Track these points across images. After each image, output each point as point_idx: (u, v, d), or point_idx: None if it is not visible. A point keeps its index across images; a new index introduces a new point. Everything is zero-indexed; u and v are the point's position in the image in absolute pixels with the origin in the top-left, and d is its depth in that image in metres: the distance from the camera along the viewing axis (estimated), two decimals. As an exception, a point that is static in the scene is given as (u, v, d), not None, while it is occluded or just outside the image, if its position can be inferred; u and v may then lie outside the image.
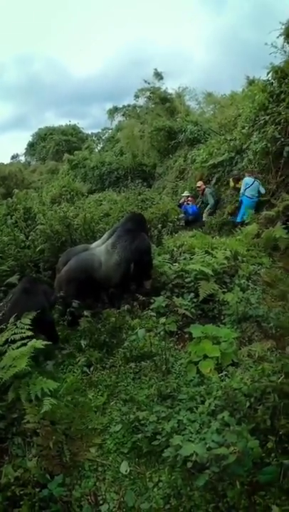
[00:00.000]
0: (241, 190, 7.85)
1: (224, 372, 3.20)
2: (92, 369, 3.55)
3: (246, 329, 3.85)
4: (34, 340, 2.91)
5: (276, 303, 4.35)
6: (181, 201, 10.25)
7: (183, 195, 10.41)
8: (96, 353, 3.69)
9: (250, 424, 2.40)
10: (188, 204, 9.91)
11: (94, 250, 4.63)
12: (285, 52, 7.56)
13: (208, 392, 2.96)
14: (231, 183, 8.66)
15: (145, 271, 4.55)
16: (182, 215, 9.30)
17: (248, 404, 2.58)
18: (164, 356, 3.41)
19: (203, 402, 2.87)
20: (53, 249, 5.69)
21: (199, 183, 10.03)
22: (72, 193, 12.56)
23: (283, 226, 6.00)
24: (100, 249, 4.57)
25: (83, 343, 3.81)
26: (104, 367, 3.59)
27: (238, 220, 7.74)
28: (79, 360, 3.62)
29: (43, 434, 2.53)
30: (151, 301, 3.86)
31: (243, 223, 7.28)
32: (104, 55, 72.65)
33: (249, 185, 7.56)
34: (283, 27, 7.41)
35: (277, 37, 7.48)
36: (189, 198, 9.85)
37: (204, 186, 9.77)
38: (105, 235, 4.87)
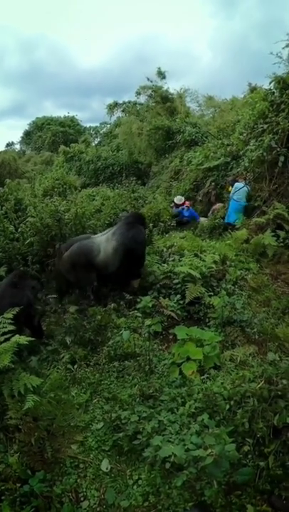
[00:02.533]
0: (230, 194, 7.97)
1: (206, 375, 3.25)
2: (76, 366, 3.56)
3: (230, 333, 3.90)
4: (18, 335, 2.90)
5: (261, 308, 4.42)
6: (177, 204, 10.13)
7: (176, 201, 10.13)
8: (80, 351, 3.70)
9: (229, 427, 2.46)
10: (184, 209, 9.86)
11: (95, 239, 4.96)
12: (288, 62, 7.65)
13: (189, 394, 3.01)
14: (230, 189, 8.74)
15: (137, 263, 4.76)
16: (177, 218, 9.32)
17: (227, 407, 2.65)
18: (147, 357, 3.44)
19: (184, 404, 2.91)
20: (42, 242, 5.65)
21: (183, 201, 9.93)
22: (65, 186, 12.45)
23: (272, 234, 6.09)
24: (101, 238, 4.91)
25: (68, 339, 3.82)
26: (89, 364, 3.61)
27: (225, 221, 7.84)
28: (63, 357, 3.63)
29: (25, 430, 2.54)
30: (138, 300, 3.89)
31: (231, 226, 7.38)
32: (110, 48, 72.11)
33: (237, 189, 7.69)
34: (290, 38, 7.49)
35: (283, 48, 7.53)
36: (186, 203, 9.83)
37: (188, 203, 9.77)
38: (106, 230, 5.20)
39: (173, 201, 10.24)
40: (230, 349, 3.66)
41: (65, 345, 3.82)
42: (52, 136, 30.94)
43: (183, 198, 10.18)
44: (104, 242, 4.80)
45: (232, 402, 2.65)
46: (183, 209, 9.84)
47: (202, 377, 3.23)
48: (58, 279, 5.00)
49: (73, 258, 4.70)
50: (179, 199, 10.10)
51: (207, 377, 3.22)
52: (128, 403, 3.04)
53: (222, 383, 2.98)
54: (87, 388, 3.33)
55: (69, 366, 3.55)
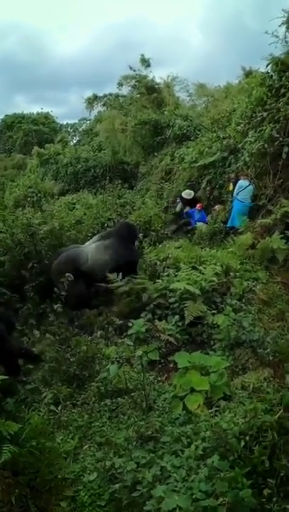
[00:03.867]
0: (234, 194, 8.07)
1: (214, 408, 3.24)
2: (60, 407, 3.52)
3: (239, 356, 3.90)
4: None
5: (274, 324, 4.42)
6: (185, 198, 10.11)
7: (184, 195, 10.20)
8: (65, 388, 3.67)
9: (246, 468, 2.44)
10: (197, 210, 9.89)
11: (83, 247, 5.75)
12: (286, 42, 7.86)
13: (195, 433, 2.99)
14: (230, 187, 8.84)
15: (129, 274, 5.50)
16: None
17: (242, 444, 2.62)
18: (144, 391, 3.42)
19: (190, 445, 2.89)
20: (14, 262, 5.66)
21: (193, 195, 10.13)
22: (39, 194, 12.51)
23: (281, 236, 6.11)
24: (90, 247, 5.69)
25: (49, 376, 3.77)
26: (75, 404, 3.57)
27: (228, 225, 7.92)
28: (45, 397, 3.59)
29: (3, 487, 2.49)
30: (130, 324, 3.89)
31: (234, 230, 7.44)
32: (89, 34, 72.39)
33: (242, 188, 7.79)
34: (286, 15, 7.68)
35: (279, 25, 7.75)
36: (199, 205, 9.89)
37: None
38: (95, 237, 5.99)
39: (179, 197, 10.19)
40: (240, 375, 3.65)
41: (47, 382, 3.78)
42: (24, 136, 31.11)
43: (193, 192, 10.16)
44: (94, 251, 5.59)
45: (247, 438, 2.63)
46: (193, 211, 9.84)
47: (210, 411, 3.22)
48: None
49: (61, 266, 5.30)
50: (187, 193, 10.10)
51: (216, 411, 3.20)
52: (124, 448, 3.01)
53: (234, 416, 2.95)
54: (75, 433, 3.28)
55: (52, 408, 3.50)
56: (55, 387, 3.70)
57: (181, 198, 10.22)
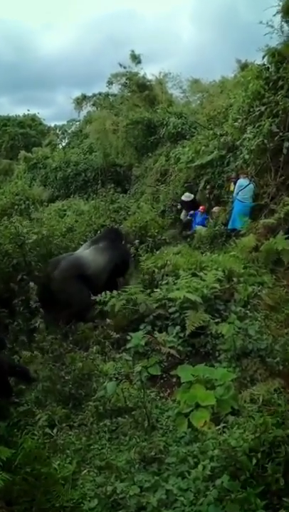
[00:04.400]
0: (234, 194, 8.11)
1: (222, 425, 3.19)
2: (56, 430, 3.49)
3: (247, 367, 3.88)
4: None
5: (282, 331, 4.40)
6: (185, 201, 10.30)
7: (184, 198, 10.47)
8: (60, 409, 3.64)
9: (259, 487, 2.42)
10: (199, 212, 9.98)
11: (80, 253, 6.09)
12: (282, 32, 7.97)
13: (203, 452, 2.94)
14: (231, 187, 8.89)
15: (124, 273, 6.34)
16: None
17: (254, 462, 2.60)
18: (145, 409, 3.40)
19: (197, 465, 2.84)
20: (2, 274, 5.65)
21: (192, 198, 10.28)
22: (28, 201, 12.53)
23: (286, 236, 6.13)
24: (87, 252, 6.08)
25: (43, 396, 3.75)
26: (72, 426, 3.54)
27: (229, 227, 7.96)
28: (39, 419, 3.55)
29: (-5, 518, 2.45)
30: (128, 337, 3.87)
31: (235, 232, 7.45)
32: (75, 30, 73.07)
33: (242, 188, 7.83)
34: (281, 3, 7.79)
35: (274, 15, 7.88)
36: (202, 207, 9.98)
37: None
38: (87, 243, 6.40)
39: (180, 202, 10.40)
40: (249, 387, 3.62)
41: (40, 403, 3.75)
42: (10, 139, 31.24)
43: (192, 195, 10.40)
44: (92, 255, 6.00)
45: (259, 455, 2.61)
46: (196, 214, 9.93)
47: (217, 428, 3.17)
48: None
49: (64, 273, 5.54)
50: (187, 196, 10.36)
51: (224, 427, 3.15)
52: (126, 471, 2.97)
53: (243, 432, 2.90)
54: (73, 457, 3.24)
55: (47, 430, 3.46)
56: (50, 408, 3.67)
57: (182, 203, 10.31)
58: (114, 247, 6.25)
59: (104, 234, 6.68)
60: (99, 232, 7.71)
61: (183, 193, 10.96)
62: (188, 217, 10.34)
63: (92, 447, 3.30)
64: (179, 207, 10.90)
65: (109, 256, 6.08)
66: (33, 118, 34.20)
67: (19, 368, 4.24)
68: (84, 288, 5.62)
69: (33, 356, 4.53)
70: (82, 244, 6.90)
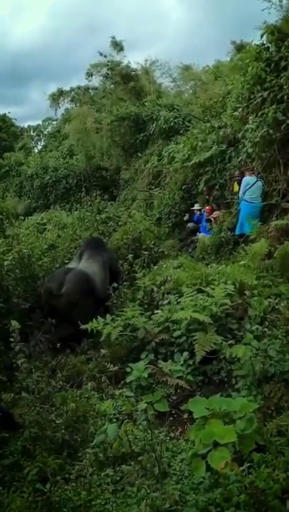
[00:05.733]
0: (240, 194, 8.18)
1: (247, 464, 3.14)
2: (49, 484, 3.40)
3: (270, 394, 3.85)
4: None
5: (307, 347, 4.43)
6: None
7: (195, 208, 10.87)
8: (52, 460, 3.57)
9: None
10: (206, 213, 10.18)
11: (79, 266, 6.31)
12: (281, 7, 8.16)
13: (226, 499, 2.90)
14: (236, 188, 8.99)
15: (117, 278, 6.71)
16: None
17: (287, 505, 2.60)
18: (154, 453, 3.35)
19: (221, 515, 2.81)
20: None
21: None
22: (0, 216, 12.55)
23: (302, 238, 6.20)
24: (83, 265, 6.32)
25: (31, 445, 3.71)
26: (68, 479, 3.46)
27: (237, 232, 8.01)
28: (28, 473, 3.48)
29: None
30: (127, 370, 3.85)
31: (244, 238, 7.49)
32: (49, 18, 74.07)
33: (249, 186, 7.90)
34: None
35: None
36: (208, 208, 10.11)
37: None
38: (75, 258, 6.68)
39: (188, 212, 10.78)
40: (274, 417, 3.60)
41: (29, 454, 3.67)
42: (-23, 144, 31.49)
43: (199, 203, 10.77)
44: (91, 267, 6.28)
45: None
46: (201, 214, 10.26)
47: (242, 469, 3.11)
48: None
49: (76, 288, 5.78)
50: (199, 206, 10.79)
51: (249, 467, 3.11)
52: (136, 529, 2.92)
53: (272, 471, 2.90)
54: (72, 516, 3.18)
55: (39, 486, 3.38)
56: (40, 458, 3.58)
57: (191, 213, 10.76)
58: (103, 255, 6.62)
59: (86, 245, 6.90)
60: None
61: (180, 197, 11.10)
62: (194, 224, 10.50)
63: (93, 503, 3.22)
64: (186, 218, 11.05)
65: (104, 266, 6.44)
66: (3, 118, 34.49)
67: (1, 412, 4.18)
68: (93, 303, 6.03)
69: (17, 398, 4.48)
70: (66, 263, 7.07)
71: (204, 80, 17.51)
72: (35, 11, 77.60)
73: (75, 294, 5.71)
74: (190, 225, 10.91)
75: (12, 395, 4.59)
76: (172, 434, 3.84)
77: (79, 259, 6.50)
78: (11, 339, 4.46)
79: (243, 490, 2.88)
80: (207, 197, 10.50)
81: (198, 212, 10.59)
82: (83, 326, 4.88)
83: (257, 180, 7.95)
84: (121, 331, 4.83)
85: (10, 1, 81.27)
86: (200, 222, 10.39)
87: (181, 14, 49.97)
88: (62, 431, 3.75)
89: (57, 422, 3.84)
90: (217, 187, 10.12)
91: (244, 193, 7.97)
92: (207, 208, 10.09)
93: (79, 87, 25.01)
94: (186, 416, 3.98)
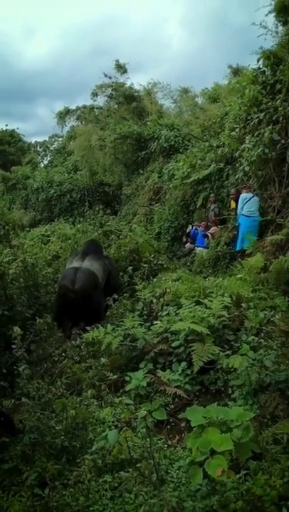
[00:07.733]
0: (238, 209, 8.21)
1: (243, 472, 3.12)
2: (47, 489, 3.36)
3: (266, 403, 3.84)
4: None
5: (302, 358, 4.42)
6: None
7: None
8: (51, 465, 3.52)
9: None
10: (200, 229, 10.27)
11: (84, 265, 6.69)
12: (277, 33, 8.30)
13: (223, 505, 2.88)
14: (233, 205, 9.04)
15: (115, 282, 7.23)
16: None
17: (285, 511, 2.57)
18: (152, 461, 3.31)
19: (218, 522, 2.78)
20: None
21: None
22: (7, 227, 12.57)
23: (297, 252, 6.22)
24: (87, 264, 6.70)
25: (31, 451, 3.67)
26: (66, 484, 3.41)
27: (237, 248, 8.02)
28: (27, 478, 3.44)
29: None
30: (126, 378, 3.81)
31: (243, 253, 7.49)
32: (57, 39, 75.41)
33: (247, 200, 7.94)
34: (273, 2, 8.17)
35: (266, 15, 8.28)
36: (203, 223, 10.18)
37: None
38: (77, 258, 6.91)
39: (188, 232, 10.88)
40: (270, 426, 3.59)
41: (28, 459, 3.63)
42: (-15, 158, 31.73)
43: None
44: (93, 266, 6.68)
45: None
46: (196, 230, 10.34)
47: (238, 476, 3.09)
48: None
49: (87, 283, 6.33)
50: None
51: (246, 475, 3.09)
52: (134, 536, 2.87)
53: (269, 478, 2.88)
54: (70, 521, 3.13)
55: (37, 491, 3.34)
56: (39, 464, 3.54)
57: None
58: (101, 257, 7.12)
59: (87, 247, 7.25)
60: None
61: (179, 213, 11.15)
62: (190, 244, 10.65)
63: (91, 508, 3.18)
64: (184, 240, 11.12)
65: (103, 266, 6.88)
66: (12, 134, 34.85)
67: (2, 417, 4.13)
68: (101, 292, 6.56)
69: (17, 404, 4.44)
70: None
71: (203, 101, 17.76)
72: (45, 33, 79.19)
73: (87, 289, 6.26)
74: (187, 245, 11.00)
75: (13, 400, 4.56)
76: (170, 442, 3.82)
77: (82, 258, 6.81)
78: (13, 345, 4.44)
79: (239, 497, 2.86)
80: (205, 214, 10.58)
81: (194, 228, 10.64)
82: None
83: (253, 196, 8.01)
84: (121, 341, 4.83)
85: (22, 24, 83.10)
86: (196, 236, 10.47)
87: (183, 40, 51.02)
88: (62, 437, 3.72)
89: (56, 428, 3.81)
90: (218, 202, 10.17)
91: (242, 207, 8.02)
92: (203, 223, 10.17)
93: (84, 106, 25.34)
94: (183, 424, 3.96)
